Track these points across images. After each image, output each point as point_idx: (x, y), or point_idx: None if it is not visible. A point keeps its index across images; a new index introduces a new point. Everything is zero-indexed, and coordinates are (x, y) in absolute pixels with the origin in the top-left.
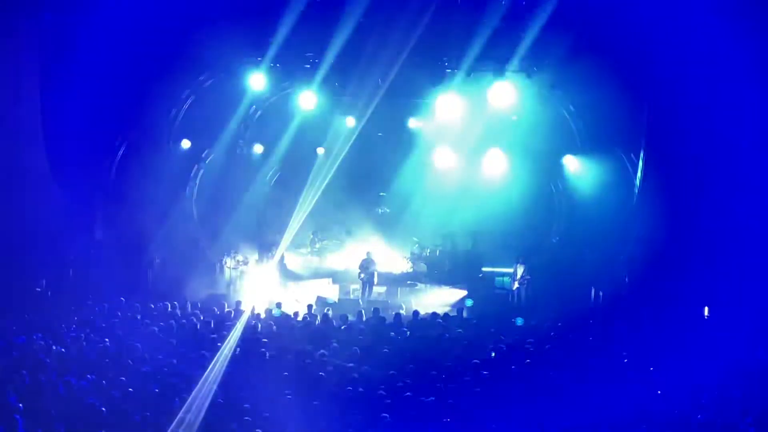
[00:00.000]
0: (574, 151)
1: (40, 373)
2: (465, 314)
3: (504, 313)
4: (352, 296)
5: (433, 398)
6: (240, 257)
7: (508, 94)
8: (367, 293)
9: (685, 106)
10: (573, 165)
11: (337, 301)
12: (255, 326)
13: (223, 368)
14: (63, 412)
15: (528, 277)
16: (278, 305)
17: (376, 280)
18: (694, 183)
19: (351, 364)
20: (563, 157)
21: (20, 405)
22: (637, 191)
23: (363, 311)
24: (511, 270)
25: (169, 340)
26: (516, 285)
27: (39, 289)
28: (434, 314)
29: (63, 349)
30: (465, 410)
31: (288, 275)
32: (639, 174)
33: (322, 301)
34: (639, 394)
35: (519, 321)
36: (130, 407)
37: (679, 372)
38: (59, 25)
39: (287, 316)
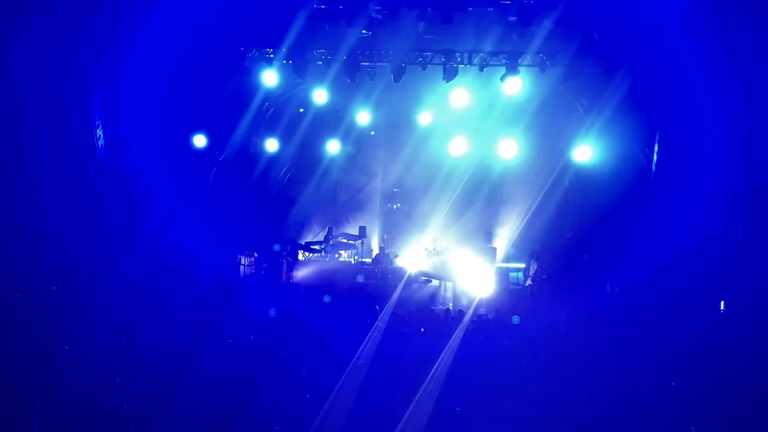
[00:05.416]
0: (588, 145)
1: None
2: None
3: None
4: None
5: None
6: (256, 254)
7: (521, 88)
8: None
9: (699, 99)
10: (586, 159)
11: None
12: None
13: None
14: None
15: (544, 276)
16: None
17: (390, 276)
18: (709, 175)
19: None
20: (577, 152)
21: (38, 404)
22: (651, 184)
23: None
24: (524, 266)
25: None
26: (528, 281)
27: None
28: None
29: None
30: None
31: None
32: (653, 167)
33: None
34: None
35: (515, 319)
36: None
37: (697, 369)
38: (72, 24)
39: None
